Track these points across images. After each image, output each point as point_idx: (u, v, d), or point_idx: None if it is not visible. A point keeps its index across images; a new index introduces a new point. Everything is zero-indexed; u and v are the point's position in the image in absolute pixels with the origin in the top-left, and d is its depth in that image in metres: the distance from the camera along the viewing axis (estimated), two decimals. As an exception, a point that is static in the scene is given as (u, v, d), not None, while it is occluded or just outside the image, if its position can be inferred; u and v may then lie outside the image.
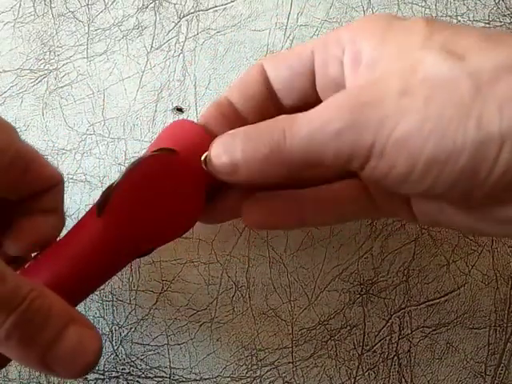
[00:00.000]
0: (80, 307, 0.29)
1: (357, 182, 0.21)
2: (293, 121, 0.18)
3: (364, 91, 0.17)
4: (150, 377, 0.29)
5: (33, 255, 0.22)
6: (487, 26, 0.30)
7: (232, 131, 0.19)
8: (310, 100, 0.21)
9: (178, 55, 0.31)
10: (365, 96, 0.16)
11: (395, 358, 0.29)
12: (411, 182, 0.16)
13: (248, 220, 0.22)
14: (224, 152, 0.19)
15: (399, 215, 0.21)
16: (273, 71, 0.21)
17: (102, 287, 0.30)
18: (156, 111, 0.30)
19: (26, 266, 0.20)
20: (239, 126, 0.20)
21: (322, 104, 0.17)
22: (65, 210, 0.23)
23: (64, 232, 0.21)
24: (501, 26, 0.30)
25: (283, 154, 0.17)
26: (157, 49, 0.31)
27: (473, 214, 0.17)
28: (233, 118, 0.21)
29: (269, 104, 0.22)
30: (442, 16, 0.30)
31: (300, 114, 0.18)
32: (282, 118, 0.18)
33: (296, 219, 0.22)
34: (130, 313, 0.29)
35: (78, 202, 0.30)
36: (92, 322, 0.29)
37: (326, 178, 0.22)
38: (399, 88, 0.16)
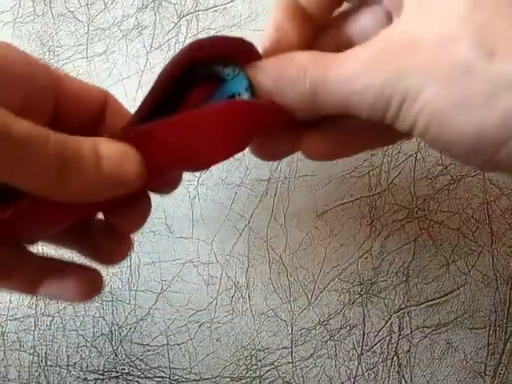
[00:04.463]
0: (79, 307, 0.29)
1: None
2: (327, 69, 0.18)
3: (398, 52, 0.17)
4: (149, 377, 0.29)
5: None
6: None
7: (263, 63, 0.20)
8: None
9: (178, 55, 0.30)
10: (397, 57, 0.17)
11: (395, 358, 0.29)
12: (428, 140, 0.17)
13: (308, 150, 0.22)
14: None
15: None
16: None
17: (101, 287, 0.30)
18: (156, 111, 0.30)
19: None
20: (308, 29, 0.21)
21: (356, 56, 0.18)
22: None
23: None
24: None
25: (318, 100, 0.18)
26: (156, 49, 0.31)
27: None
28: (300, 18, 0.21)
29: None
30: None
31: (335, 63, 0.18)
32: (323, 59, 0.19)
33: (352, 147, 0.23)
34: (129, 313, 0.29)
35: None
36: (92, 322, 0.29)
37: None
38: (429, 59, 0.17)
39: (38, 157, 0.15)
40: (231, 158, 0.23)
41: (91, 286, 0.20)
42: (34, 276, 0.19)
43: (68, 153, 0.16)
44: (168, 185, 0.23)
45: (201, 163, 0.20)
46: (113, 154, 0.17)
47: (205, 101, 0.20)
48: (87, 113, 0.21)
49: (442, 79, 0.16)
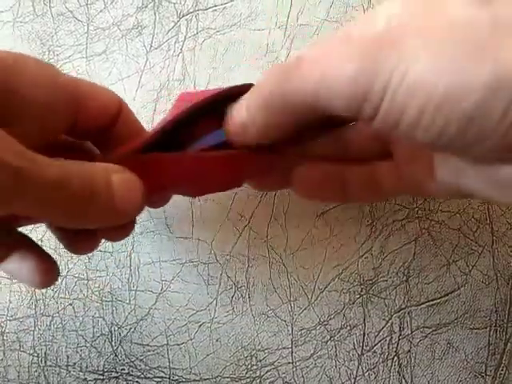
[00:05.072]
0: (79, 307, 0.29)
1: (388, 162, 0.22)
2: (298, 62, 0.17)
3: (382, 31, 0.16)
4: (149, 377, 0.29)
5: None
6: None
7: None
8: None
9: (178, 55, 0.30)
10: (381, 36, 0.16)
11: (395, 358, 0.29)
12: (422, 126, 0.16)
13: (298, 189, 0.23)
14: (235, 115, 0.20)
15: (423, 188, 0.21)
16: None
17: (101, 288, 0.29)
18: (155, 111, 0.30)
19: None
20: None
21: (330, 45, 0.17)
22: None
23: None
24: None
25: (286, 95, 0.17)
26: (156, 48, 0.31)
27: (486, 177, 0.17)
28: None
29: None
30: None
31: (306, 54, 0.17)
32: (286, 63, 0.18)
33: (339, 194, 0.23)
34: (129, 313, 0.29)
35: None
36: (91, 322, 0.29)
37: (365, 155, 0.23)
38: (418, 29, 0.15)
39: (64, 195, 0.15)
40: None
41: (47, 273, 0.20)
42: (6, 247, 0.20)
43: (88, 185, 0.16)
44: (158, 202, 0.24)
45: (196, 193, 0.23)
46: (122, 183, 0.18)
47: (209, 136, 0.21)
48: (103, 119, 0.21)
49: (437, 39, 0.15)
